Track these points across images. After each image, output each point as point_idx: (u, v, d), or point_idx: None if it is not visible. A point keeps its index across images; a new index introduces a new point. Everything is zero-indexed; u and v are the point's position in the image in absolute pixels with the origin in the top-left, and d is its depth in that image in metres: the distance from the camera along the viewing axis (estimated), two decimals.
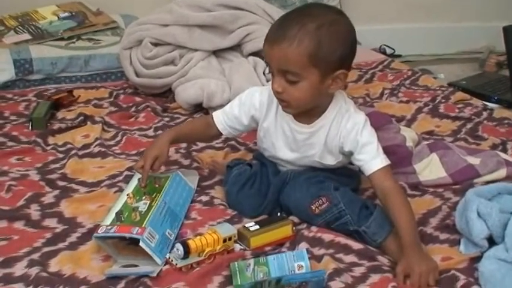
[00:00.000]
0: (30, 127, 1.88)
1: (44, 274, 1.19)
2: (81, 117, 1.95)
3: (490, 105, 2.27)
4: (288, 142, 1.47)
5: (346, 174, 1.52)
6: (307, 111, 1.40)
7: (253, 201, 1.48)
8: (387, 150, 1.64)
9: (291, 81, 1.31)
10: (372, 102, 2.20)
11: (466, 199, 1.37)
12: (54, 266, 1.25)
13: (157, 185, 1.47)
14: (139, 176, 1.47)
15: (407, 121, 2.05)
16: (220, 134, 1.55)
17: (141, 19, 2.27)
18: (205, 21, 2.14)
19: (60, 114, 2.01)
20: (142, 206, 1.37)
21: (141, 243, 1.23)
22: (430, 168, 1.66)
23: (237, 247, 1.32)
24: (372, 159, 1.39)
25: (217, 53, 2.21)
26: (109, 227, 1.28)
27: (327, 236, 1.34)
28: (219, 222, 1.39)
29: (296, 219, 1.42)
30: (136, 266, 1.25)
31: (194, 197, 1.52)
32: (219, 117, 1.52)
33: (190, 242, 1.26)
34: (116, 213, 1.33)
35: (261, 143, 1.53)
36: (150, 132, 1.91)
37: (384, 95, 2.29)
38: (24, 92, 2.20)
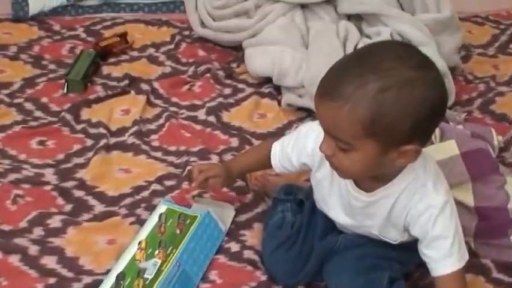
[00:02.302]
0: (65, 89, 1.62)
1: None
2: (126, 81, 1.66)
3: None
4: (343, 204, 1.13)
5: (411, 247, 1.16)
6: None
7: (290, 267, 1.21)
8: (481, 212, 1.29)
9: (341, 147, 0.95)
10: (494, 94, 1.74)
11: None
12: None
13: (178, 231, 1.22)
14: (163, 210, 1.26)
15: None
16: None
17: None
18: None
19: (105, 69, 1.73)
20: (151, 268, 1.16)
21: None
22: None
23: None
24: (441, 259, 1.05)
25: (305, 5, 1.77)
26: None
27: None
28: None
29: None
30: None
31: (223, 241, 1.26)
32: (275, 150, 1.21)
33: None
34: (117, 277, 1.13)
35: (313, 193, 1.20)
36: (201, 115, 1.60)
37: None
38: (74, 21, 1.92)
